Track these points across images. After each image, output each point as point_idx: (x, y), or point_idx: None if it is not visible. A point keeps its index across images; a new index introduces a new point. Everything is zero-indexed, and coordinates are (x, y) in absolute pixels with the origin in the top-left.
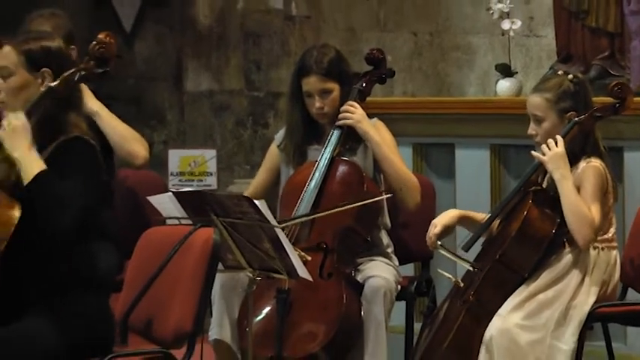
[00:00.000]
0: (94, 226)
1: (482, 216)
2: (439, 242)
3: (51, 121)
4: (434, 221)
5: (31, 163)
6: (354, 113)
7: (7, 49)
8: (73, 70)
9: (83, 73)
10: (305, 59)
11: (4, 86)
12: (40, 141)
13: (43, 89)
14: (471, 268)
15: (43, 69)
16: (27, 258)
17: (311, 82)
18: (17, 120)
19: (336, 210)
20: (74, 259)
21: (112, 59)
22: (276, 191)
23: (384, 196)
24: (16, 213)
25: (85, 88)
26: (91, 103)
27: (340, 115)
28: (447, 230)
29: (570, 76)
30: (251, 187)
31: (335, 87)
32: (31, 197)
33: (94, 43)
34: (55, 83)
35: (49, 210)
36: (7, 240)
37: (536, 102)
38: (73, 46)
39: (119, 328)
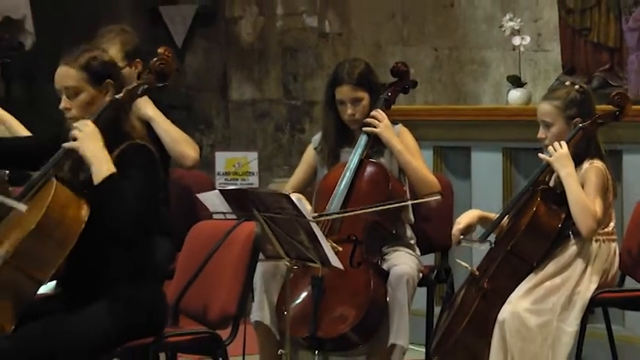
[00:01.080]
0: (151, 222)
1: (496, 216)
2: (462, 237)
3: (114, 128)
4: (458, 219)
5: (102, 165)
6: (380, 121)
7: (70, 70)
8: (136, 83)
9: (145, 86)
10: (338, 71)
11: (74, 104)
12: (107, 146)
13: (107, 99)
14: (492, 246)
15: (106, 80)
16: (93, 250)
17: (343, 92)
18: (87, 126)
19: (365, 211)
20: (134, 251)
21: (172, 74)
22: (310, 188)
23: (402, 204)
24: (85, 212)
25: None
26: (148, 109)
27: (366, 121)
28: (469, 228)
29: (577, 87)
30: (289, 183)
31: (365, 96)
32: (100, 196)
33: (156, 59)
34: (119, 95)
35: (115, 209)
36: (77, 237)
37: (546, 109)
38: (138, 60)
39: (171, 311)
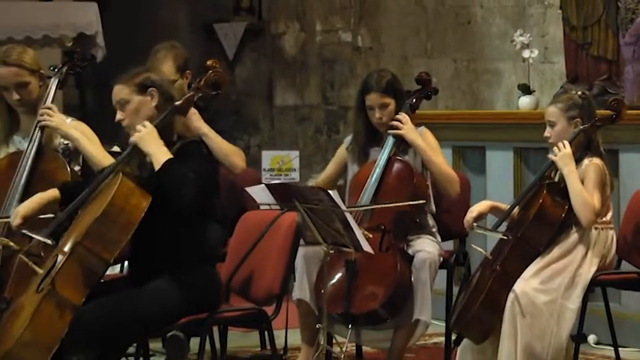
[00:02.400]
0: (206, 211)
1: (507, 206)
2: (475, 224)
3: (173, 130)
4: (471, 208)
5: (160, 156)
6: (404, 124)
7: (120, 87)
8: (193, 92)
9: (200, 94)
10: (367, 80)
11: (125, 114)
12: (166, 143)
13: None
14: (503, 237)
15: (150, 89)
16: (157, 236)
17: (372, 98)
18: (146, 127)
19: (392, 205)
20: (191, 237)
21: (224, 84)
22: (339, 182)
23: (418, 202)
24: (145, 202)
25: (195, 112)
26: (201, 125)
27: (392, 124)
28: (481, 216)
29: (579, 92)
30: (320, 177)
31: (391, 102)
32: (161, 180)
33: (211, 71)
34: (178, 102)
35: (175, 188)
36: (138, 222)
37: (550, 110)
38: (188, 71)
39: (223, 290)
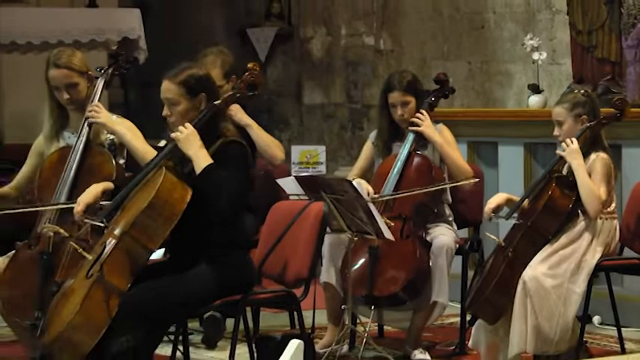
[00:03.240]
0: (243, 203)
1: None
2: (492, 214)
3: (213, 129)
4: (489, 200)
5: (201, 159)
6: (423, 121)
7: (170, 85)
8: (231, 93)
9: (238, 95)
10: (390, 80)
11: (173, 113)
12: (205, 143)
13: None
14: (518, 222)
15: (200, 95)
16: (195, 226)
17: (394, 97)
18: (187, 129)
19: (409, 193)
20: (228, 225)
21: (260, 85)
22: (370, 174)
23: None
24: (188, 196)
25: (238, 106)
26: (244, 117)
27: (412, 121)
28: (498, 207)
29: (582, 91)
30: (353, 171)
31: (412, 100)
32: (201, 184)
33: (247, 73)
34: (218, 102)
35: (213, 194)
36: (181, 214)
37: (557, 111)
38: (234, 76)
39: (256, 273)
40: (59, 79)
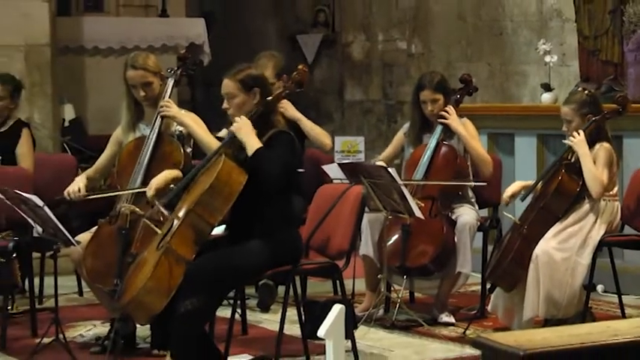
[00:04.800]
0: (291, 185)
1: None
2: (510, 201)
3: (266, 120)
4: (507, 189)
5: (253, 144)
6: (450, 115)
7: (229, 82)
8: (281, 89)
9: (287, 91)
10: (422, 80)
11: (231, 105)
12: (259, 132)
13: (257, 101)
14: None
15: (254, 89)
16: (251, 205)
17: (425, 94)
18: (242, 120)
19: (436, 183)
20: (280, 205)
21: (306, 83)
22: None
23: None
24: (243, 177)
25: (289, 103)
26: (295, 113)
27: (441, 114)
28: (514, 195)
29: (586, 92)
30: (382, 155)
31: (440, 97)
32: (253, 164)
33: (296, 73)
34: (270, 98)
35: (263, 171)
36: (238, 194)
37: (566, 111)
38: (285, 76)
39: (304, 247)
40: (136, 78)
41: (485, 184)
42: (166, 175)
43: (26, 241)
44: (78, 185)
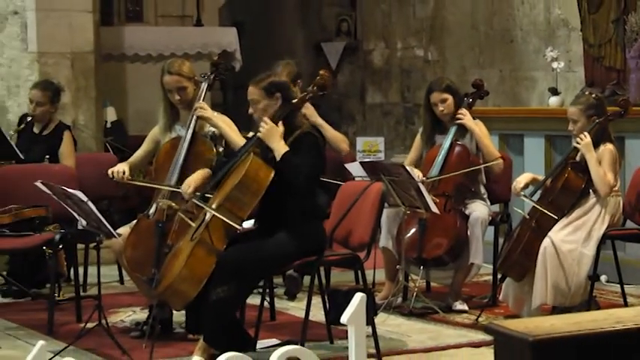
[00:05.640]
0: (317, 182)
1: (542, 177)
2: (520, 192)
3: (291, 122)
4: (518, 179)
5: (280, 148)
6: (465, 116)
7: (253, 88)
8: (305, 93)
9: (311, 95)
10: (430, 84)
11: (256, 109)
12: (286, 133)
13: (279, 104)
14: (537, 206)
15: (276, 93)
16: (278, 200)
17: (435, 96)
18: (268, 124)
19: (453, 174)
20: (305, 200)
21: (329, 87)
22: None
23: (478, 167)
24: (271, 176)
25: (310, 106)
26: (317, 119)
27: (456, 115)
28: (526, 185)
29: (593, 95)
30: (408, 159)
31: (449, 97)
32: (281, 167)
33: (318, 77)
34: (294, 101)
35: (292, 174)
36: (265, 189)
37: (572, 111)
38: (299, 81)
39: (328, 239)
40: (172, 83)
41: (501, 161)
42: (203, 174)
43: (71, 234)
44: (123, 168)
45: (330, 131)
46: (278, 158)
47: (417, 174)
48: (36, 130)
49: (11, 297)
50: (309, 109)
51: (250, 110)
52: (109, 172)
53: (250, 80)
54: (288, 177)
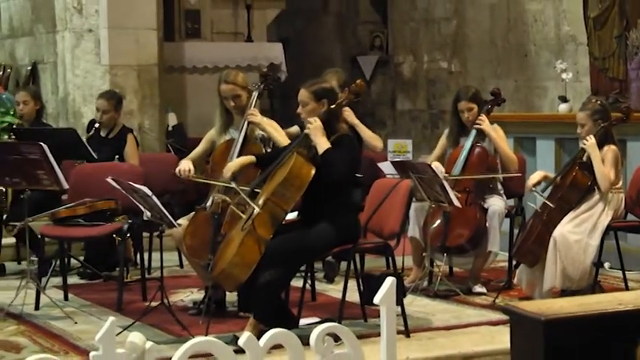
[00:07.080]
0: (353, 179)
1: (553, 175)
2: (533, 188)
3: (331, 124)
4: (531, 176)
5: (323, 144)
6: (483, 122)
7: (304, 92)
8: (342, 99)
9: (347, 100)
10: (459, 92)
11: (304, 111)
12: (327, 134)
13: (324, 109)
14: (547, 202)
15: (323, 99)
16: (319, 194)
17: (462, 105)
18: (315, 122)
19: (475, 177)
20: (343, 195)
21: (362, 94)
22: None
23: (497, 176)
24: (312, 171)
25: (350, 111)
26: (353, 119)
27: (477, 121)
28: (538, 182)
29: (598, 102)
30: (431, 157)
31: (474, 106)
32: (323, 162)
33: (353, 85)
34: (333, 106)
35: (332, 168)
36: (307, 185)
37: (580, 116)
38: (346, 88)
39: (362, 229)
40: (227, 91)
41: (519, 174)
42: (241, 160)
43: (138, 224)
44: (189, 166)
45: (365, 130)
46: (320, 152)
47: (441, 170)
48: (103, 133)
49: (86, 279)
50: (347, 111)
51: (299, 110)
52: (177, 170)
53: (301, 85)
54: (327, 171)
